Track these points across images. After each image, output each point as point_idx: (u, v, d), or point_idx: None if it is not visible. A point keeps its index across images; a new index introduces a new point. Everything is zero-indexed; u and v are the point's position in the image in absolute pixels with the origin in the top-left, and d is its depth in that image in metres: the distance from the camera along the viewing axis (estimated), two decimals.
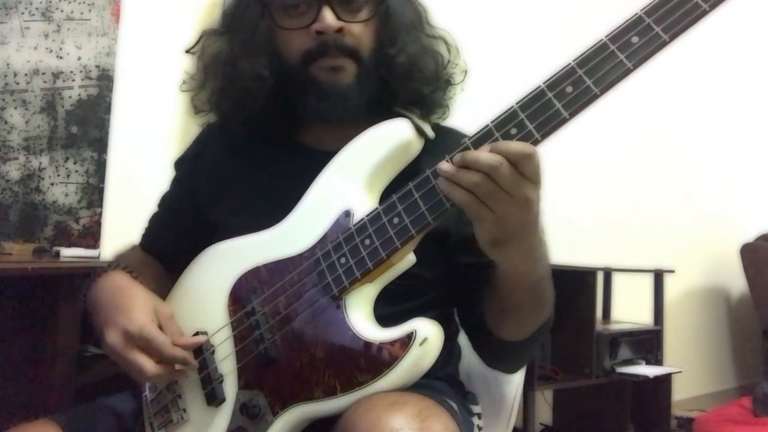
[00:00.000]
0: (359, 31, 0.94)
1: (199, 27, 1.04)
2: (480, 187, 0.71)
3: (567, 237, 2.37)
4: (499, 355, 0.98)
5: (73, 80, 1.62)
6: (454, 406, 0.90)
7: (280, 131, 1.02)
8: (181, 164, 1.10)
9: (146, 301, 0.87)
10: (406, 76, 0.97)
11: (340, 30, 0.92)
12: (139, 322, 0.83)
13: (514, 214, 0.73)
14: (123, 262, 0.97)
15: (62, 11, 1.61)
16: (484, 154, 0.71)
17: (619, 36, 0.71)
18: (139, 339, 0.82)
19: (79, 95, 1.62)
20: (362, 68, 0.94)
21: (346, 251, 0.82)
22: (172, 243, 1.07)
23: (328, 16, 0.91)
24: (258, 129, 1.01)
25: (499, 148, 0.71)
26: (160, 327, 0.85)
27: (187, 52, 1.04)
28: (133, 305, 0.85)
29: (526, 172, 0.71)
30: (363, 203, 0.85)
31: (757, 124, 4.00)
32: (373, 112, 0.94)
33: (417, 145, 0.87)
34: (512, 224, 0.74)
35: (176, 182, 1.11)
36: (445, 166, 0.74)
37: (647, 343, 2.52)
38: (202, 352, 0.88)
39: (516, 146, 0.71)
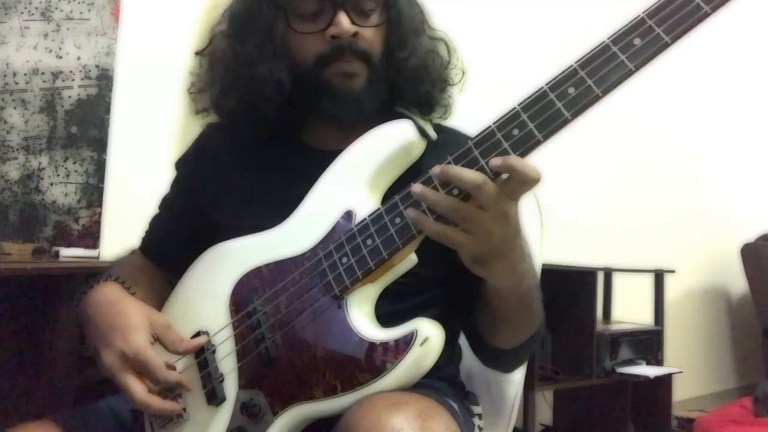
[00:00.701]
0: (371, 36, 0.94)
1: (202, 27, 1.03)
2: (456, 213, 0.72)
3: (567, 237, 2.37)
4: (493, 359, 1.00)
5: (73, 80, 1.62)
6: (455, 406, 0.90)
7: (283, 131, 1.02)
8: (181, 165, 1.10)
9: (141, 316, 0.86)
10: (418, 79, 0.98)
11: (355, 34, 0.92)
12: (136, 343, 0.82)
13: (493, 231, 0.73)
14: (115, 273, 0.96)
15: (62, 11, 1.61)
16: (467, 172, 0.72)
17: (621, 37, 0.71)
18: (135, 362, 0.82)
19: (79, 95, 1.62)
20: (373, 72, 0.95)
21: (347, 251, 0.82)
22: (173, 244, 1.06)
23: (345, 21, 0.91)
24: (262, 129, 1.01)
25: (509, 164, 0.71)
26: (158, 339, 0.85)
27: (198, 54, 1.04)
28: (129, 324, 0.84)
29: (508, 189, 0.72)
30: (365, 204, 0.85)
31: (758, 124, 4.01)
32: (376, 112, 0.95)
33: (419, 146, 0.88)
34: (492, 241, 0.74)
35: (177, 183, 1.10)
36: (417, 188, 0.75)
37: (647, 343, 2.52)
38: (203, 351, 0.88)
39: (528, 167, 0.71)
